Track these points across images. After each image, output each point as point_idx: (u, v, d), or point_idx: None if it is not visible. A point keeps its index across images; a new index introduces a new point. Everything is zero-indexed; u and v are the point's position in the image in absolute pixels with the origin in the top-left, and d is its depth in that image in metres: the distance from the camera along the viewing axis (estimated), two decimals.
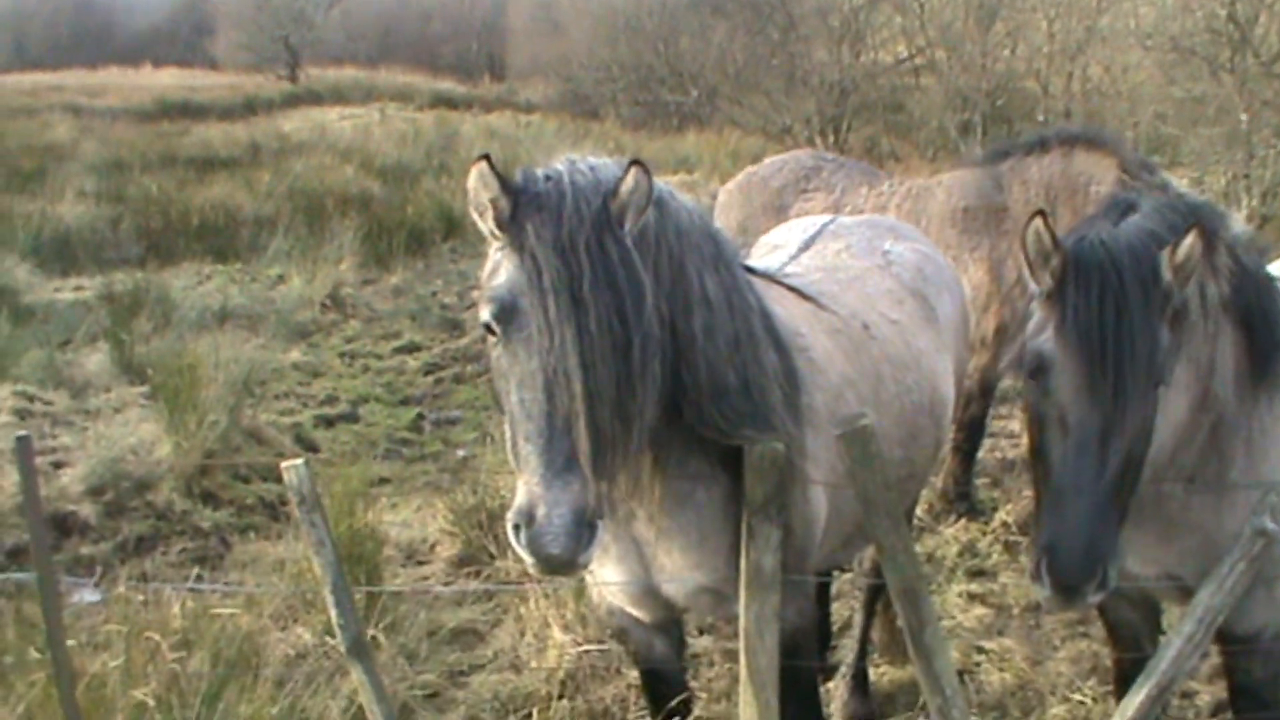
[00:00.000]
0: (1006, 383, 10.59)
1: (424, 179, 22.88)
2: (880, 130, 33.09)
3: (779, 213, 9.39)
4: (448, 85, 52.47)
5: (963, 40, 30.08)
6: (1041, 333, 4.03)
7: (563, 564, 3.55)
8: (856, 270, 5.70)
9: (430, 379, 13.41)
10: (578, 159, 3.99)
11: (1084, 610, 4.14)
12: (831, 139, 32.09)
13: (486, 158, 3.76)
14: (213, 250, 18.50)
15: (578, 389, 3.59)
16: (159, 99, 43.70)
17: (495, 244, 3.86)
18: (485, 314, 3.78)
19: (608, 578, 4.58)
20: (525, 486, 3.60)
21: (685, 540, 4.35)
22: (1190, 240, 3.90)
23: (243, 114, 41.78)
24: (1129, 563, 4.46)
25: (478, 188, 3.79)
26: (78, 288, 16.30)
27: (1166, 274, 3.92)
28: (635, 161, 3.82)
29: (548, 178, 3.85)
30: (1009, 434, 9.94)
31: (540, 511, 3.53)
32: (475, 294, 15.85)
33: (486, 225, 3.85)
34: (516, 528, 3.58)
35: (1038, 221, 4.02)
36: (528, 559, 3.59)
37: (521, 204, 3.77)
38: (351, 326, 15.41)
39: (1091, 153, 8.49)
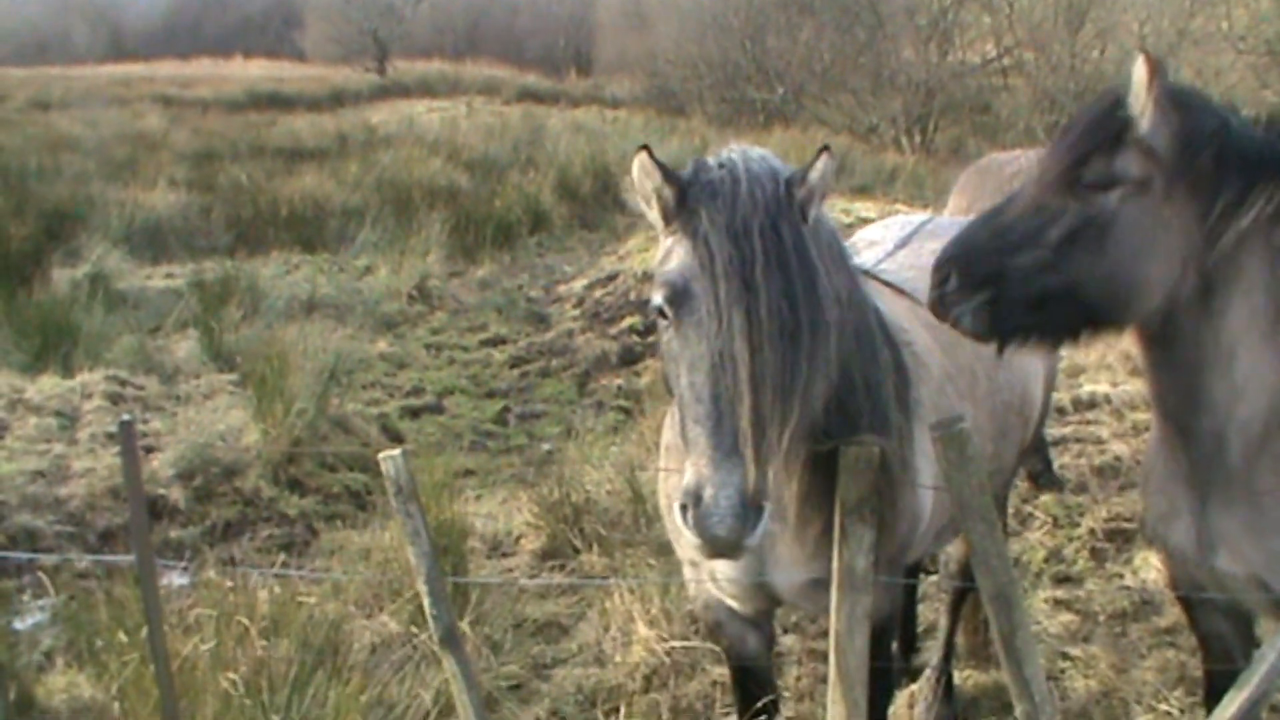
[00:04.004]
0: (1097, 388, 10.53)
1: (511, 173, 22.90)
2: (967, 131, 32.88)
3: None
4: (534, 79, 52.59)
5: (1051, 41, 29.88)
6: None
7: (729, 545, 3.54)
8: None
9: (515, 372, 13.45)
10: (748, 148, 4.00)
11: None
12: (918, 139, 31.98)
13: (646, 148, 3.82)
14: (301, 240, 18.72)
15: (743, 373, 3.59)
16: (248, 90, 44.32)
17: (667, 231, 3.90)
18: (657, 298, 3.80)
19: (721, 569, 4.55)
20: (694, 468, 3.59)
21: (814, 531, 4.30)
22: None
23: (330, 106, 42.26)
24: (1219, 559, 4.33)
25: (641, 178, 3.84)
26: (168, 275, 16.58)
27: None
28: (825, 148, 3.87)
29: (721, 165, 3.88)
30: (1096, 439, 9.82)
31: (708, 493, 3.52)
32: (561, 289, 16.07)
33: (654, 213, 3.90)
34: (684, 508, 3.57)
35: None
36: (693, 540, 3.58)
37: (693, 191, 3.81)
38: (438, 318, 15.51)
39: None
